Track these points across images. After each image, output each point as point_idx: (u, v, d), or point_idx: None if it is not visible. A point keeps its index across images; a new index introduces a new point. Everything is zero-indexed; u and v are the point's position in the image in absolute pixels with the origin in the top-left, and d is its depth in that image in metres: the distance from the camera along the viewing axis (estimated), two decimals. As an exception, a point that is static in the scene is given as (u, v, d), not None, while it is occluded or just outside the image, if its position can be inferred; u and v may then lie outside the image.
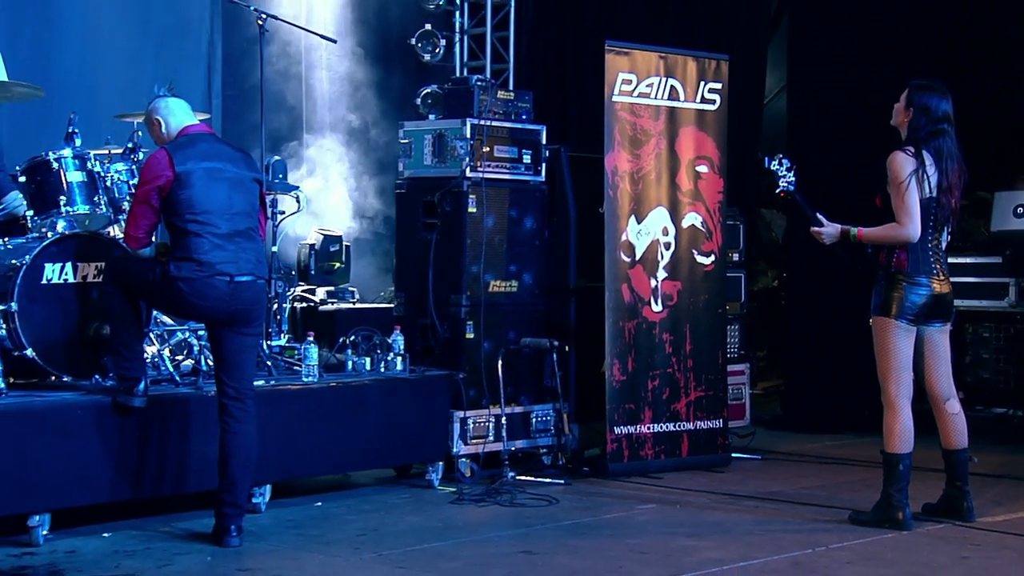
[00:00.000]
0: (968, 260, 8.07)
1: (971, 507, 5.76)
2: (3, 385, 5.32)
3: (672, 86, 7.20)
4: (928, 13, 8.68)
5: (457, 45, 8.52)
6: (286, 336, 6.84)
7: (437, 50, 8.22)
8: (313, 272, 7.93)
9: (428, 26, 8.25)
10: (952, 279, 5.74)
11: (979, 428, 6.34)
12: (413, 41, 8.21)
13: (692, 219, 7.27)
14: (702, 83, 7.32)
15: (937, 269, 5.62)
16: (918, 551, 5.25)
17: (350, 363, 6.63)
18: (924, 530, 5.60)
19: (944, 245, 5.70)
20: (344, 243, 8.22)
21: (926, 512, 5.79)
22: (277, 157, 6.87)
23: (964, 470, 5.79)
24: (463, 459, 6.71)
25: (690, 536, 5.47)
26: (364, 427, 6.33)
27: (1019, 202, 8.26)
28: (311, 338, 6.35)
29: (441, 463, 6.64)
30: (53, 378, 5.60)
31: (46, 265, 5.56)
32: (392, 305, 7.39)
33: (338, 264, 8.05)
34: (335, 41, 7.41)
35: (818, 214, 5.81)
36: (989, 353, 8.33)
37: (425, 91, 7.53)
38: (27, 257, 5.50)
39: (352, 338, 6.78)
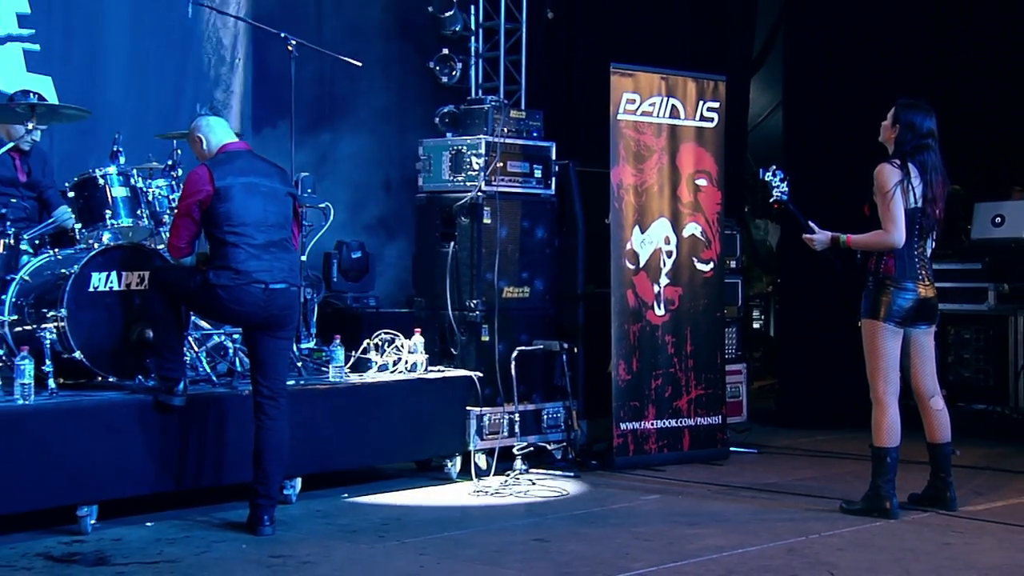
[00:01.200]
0: (951, 266, 8.07)
1: (954, 497, 5.77)
2: (53, 385, 5.36)
3: (673, 105, 7.22)
4: (914, 37, 8.72)
5: (472, 68, 8.52)
6: (314, 339, 6.86)
7: (454, 73, 8.22)
8: (338, 279, 7.95)
9: (445, 51, 8.26)
10: (936, 284, 5.75)
11: (961, 423, 6.33)
12: (432, 64, 8.22)
13: (692, 229, 7.28)
14: (701, 102, 7.33)
15: (923, 274, 5.62)
16: (904, 538, 5.26)
17: (374, 364, 6.64)
18: (910, 518, 5.60)
19: (929, 252, 5.70)
20: (367, 252, 8.23)
21: (912, 501, 5.79)
22: (306, 173, 6.88)
23: (947, 462, 5.80)
24: (479, 453, 6.70)
25: (691, 525, 5.48)
26: (387, 423, 6.34)
27: (998, 212, 8.30)
28: (338, 341, 6.36)
29: (459, 457, 6.64)
30: (100, 379, 5.61)
31: (93, 274, 5.58)
32: (412, 309, 7.41)
33: (362, 272, 8.07)
34: (360, 65, 7.42)
35: (810, 222, 5.82)
36: (970, 353, 8.35)
37: (443, 111, 7.52)
38: (75, 267, 5.53)
39: (375, 341, 6.79)
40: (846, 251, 5.71)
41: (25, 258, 5.84)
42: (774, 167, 5.99)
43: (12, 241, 5.84)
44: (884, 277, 5.57)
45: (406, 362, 6.64)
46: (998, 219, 8.29)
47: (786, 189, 5.92)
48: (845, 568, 4.72)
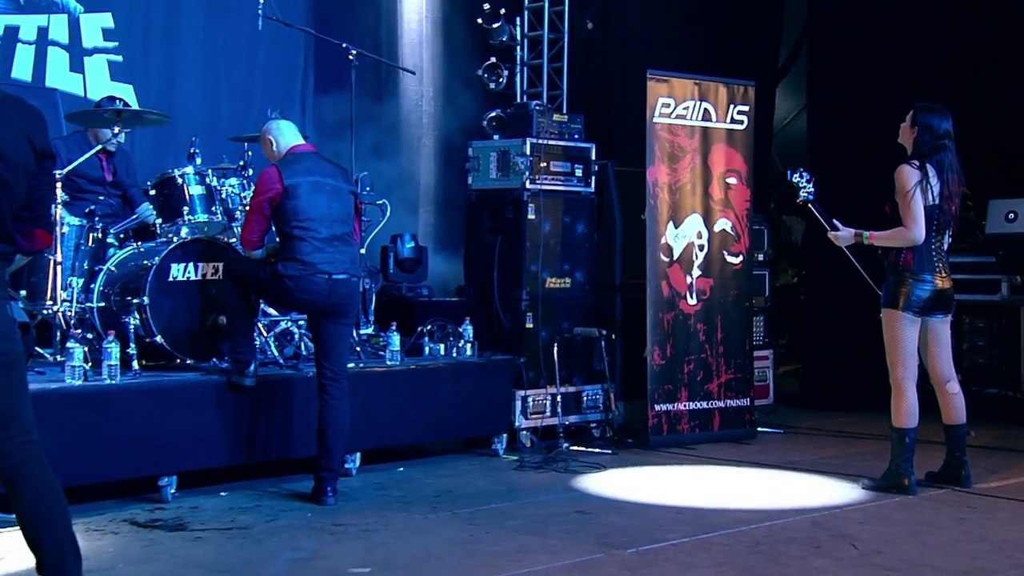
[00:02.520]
0: (966, 260, 8.01)
1: (969, 475, 5.74)
2: (137, 367, 5.42)
3: (705, 109, 7.21)
4: (932, 44, 8.63)
5: (518, 75, 8.55)
6: (372, 326, 6.91)
7: (500, 79, 8.25)
8: (394, 270, 8.00)
9: (493, 59, 8.30)
10: (952, 276, 5.71)
11: (975, 407, 6.27)
12: (480, 72, 8.26)
13: (723, 224, 7.27)
14: (731, 106, 7.31)
15: (940, 267, 5.59)
16: (922, 513, 5.24)
17: (427, 349, 6.69)
18: (927, 495, 5.58)
19: (946, 246, 5.66)
20: (420, 245, 8.28)
21: (929, 479, 5.76)
22: (364, 172, 6.93)
23: (962, 443, 5.77)
24: (524, 431, 6.73)
25: (721, 499, 5.47)
26: (439, 403, 6.37)
27: (1011, 209, 8.24)
28: (394, 327, 6.40)
29: (505, 435, 6.67)
30: (178, 361, 5.67)
31: (172, 265, 5.64)
32: (462, 299, 7.45)
33: (415, 264, 8.11)
34: (414, 72, 7.47)
35: (834, 220, 5.81)
36: (984, 341, 8.29)
37: (490, 115, 7.56)
38: (156, 258, 5.59)
39: (428, 327, 6.82)
40: (868, 246, 5.70)
41: (111, 250, 5.94)
42: (800, 169, 5.97)
43: (100, 235, 5.95)
44: (903, 269, 5.55)
45: (456, 347, 6.69)
46: (1011, 215, 8.22)
47: (812, 189, 5.89)
48: (866, 540, 4.71)
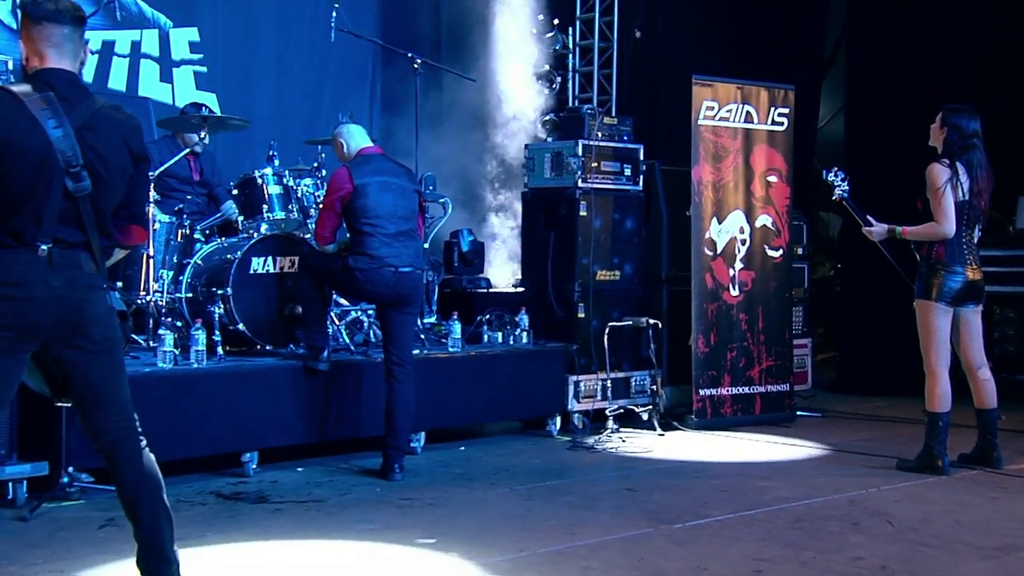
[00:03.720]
0: (996, 253, 7.90)
1: (1000, 457, 5.66)
2: (221, 352, 5.50)
3: (747, 111, 7.16)
4: (964, 45, 8.51)
5: (570, 81, 8.54)
6: (435, 315, 6.93)
7: (554, 85, 8.25)
8: (456, 264, 8.02)
9: (547, 67, 8.31)
10: (983, 268, 5.63)
11: (1005, 392, 6.18)
12: (535, 79, 8.27)
13: (764, 220, 7.22)
14: (772, 108, 7.26)
15: (970, 260, 5.51)
16: (955, 492, 5.18)
17: (486, 337, 6.71)
18: (960, 475, 5.51)
19: (976, 240, 5.59)
20: (479, 240, 8.30)
21: (962, 461, 5.69)
22: (428, 172, 6.97)
23: (994, 426, 5.69)
24: (576, 414, 6.73)
25: (763, 478, 5.44)
26: (497, 387, 6.39)
27: (1039, 204, 8.18)
28: (455, 316, 6.43)
29: (559, 417, 6.68)
30: (258, 347, 5.73)
31: (253, 259, 5.70)
32: (518, 290, 7.47)
33: (475, 257, 8.13)
34: (474, 80, 7.49)
35: (868, 216, 5.75)
36: (1014, 330, 8.20)
37: (545, 118, 7.57)
38: (239, 253, 5.66)
39: (487, 317, 6.84)
40: (901, 241, 5.63)
41: (198, 245, 6.03)
42: (836, 168, 5.92)
43: (188, 231, 6.04)
44: (936, 262, 5.48)
45: (513, 336, 6.70)
46: None
47: (846, 188, 5.85)
48: (901, 518, 4.67)
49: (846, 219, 8.91)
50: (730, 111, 7.09)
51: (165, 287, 5.86)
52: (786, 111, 7.31)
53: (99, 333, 3.19)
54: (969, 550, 4.21)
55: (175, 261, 5.97)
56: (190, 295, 5.80)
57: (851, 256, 8.92)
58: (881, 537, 4.37)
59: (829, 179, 5.87)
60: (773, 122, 7.26)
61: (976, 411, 5.71)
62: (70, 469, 4.74)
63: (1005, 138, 7.20)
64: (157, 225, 5.87)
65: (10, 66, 4.57)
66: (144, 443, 3.31)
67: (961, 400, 5.70)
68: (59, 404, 4.24)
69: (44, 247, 3.08)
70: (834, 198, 5.89)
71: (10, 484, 4.65)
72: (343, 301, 6.23)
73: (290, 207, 6.08)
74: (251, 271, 5.70)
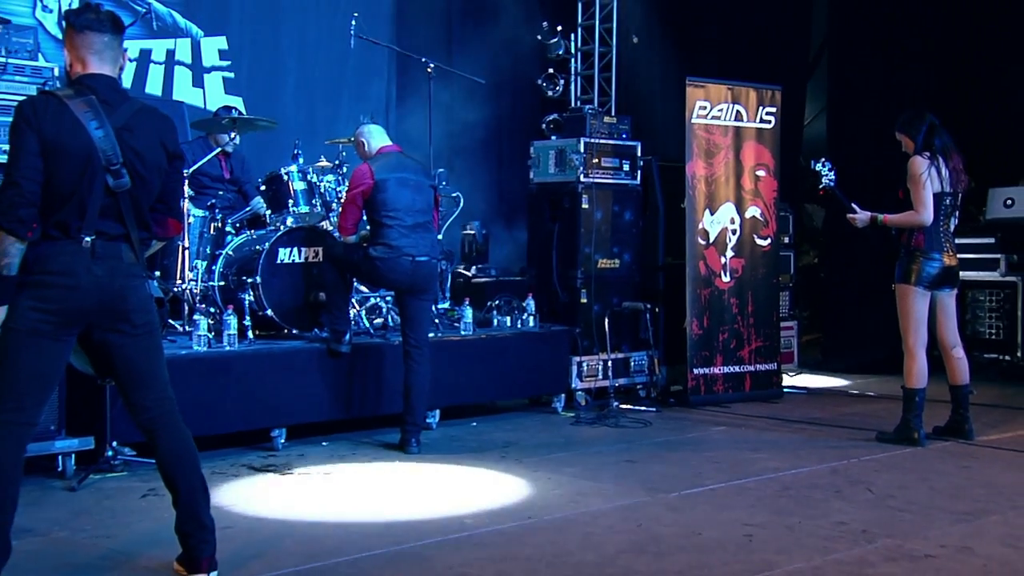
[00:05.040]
0: (970, 241, 7.91)
1: (971, 429, 5.67)
2: (251, 336, 5.52)
3: (738, 110, 7.13)
4: (936, 50, 8.54)
5: (572, 84, 8.51)
6: (449, 301, 6.94)
7: (557, 87, 8.21)
8: (467, 253, 8.02)
9: (550, 70, 8.27)
10: (958, 255, 5.63)
11: (976, 369, 6.19)
12: (539, 81, 8.24)
13: (753, 212, 7.20)
14: (760, 107, 7.23)
15: (947, 247, 5.50)
16: (930, 462, 5.18)
17: (495, 321, 6.71)
18: (935, 446, 5.52)
19: (953, 228, 5.58)
20: (488, 231, 8.28)
21: (936, 433, 5.70)
22: (441, 169, 6.96)
23: (966, 401, 5.69)
24: (579, 392, 6.73)
25: (753, 450, 5.45)
26: (506, 367, 6.39)
27: (1009, 196, 8.19)
28: (467, 303, 6.42)
29: (563, 395, 6.67)
30: (286, 331, 5.73)
31: (280, 249, 5.70)
32: (525, 278, 7.46)
33: (484, 248, 8.12)
34: (483, 82, 7.47)
35: (853, 204, 5.74)
36: (984, 312, 8.18)
37: (549, 118, 7.53)
38: (267, 244, 5.65)
39: (496, 302, 6.84)
40: (883, 228, 5.62)
41: (229, 237, 6.02)
42: (823, 159, 5.91)
43: (220, 224, 6.04)
44: (915, 249, 5.47)
45: (520, 319, 6.69)
46: (1009, 201, 8.18)
47: (833, 177, 5.83)
48: (880, 485, 4.68)
49: (829, 211, 8.91)
50: (721, 110, 7.07)
51: (199, 276, 5.87)
52: (773, 110, 7.28)
53: (139, 318, 3.21)
54: (943, 514, 4.22)
55: (208, 252, 5.98)
56: (222, 283, 5.81)
57: (834, 245, 8.92)
58: (862, 503, 4.38)
59: (817, 168, 5.86)
60: (761, 120, 7.24)
61: (950, 387, 5.71)
62: (114, 443, 4.76)
63: (974, 136, 7.20)
64: (191, 219, 5.87)
65: (55, 72, 4.58)
66: (181, 419, 3.33)
67: (936, 377, 5.70)
68: (103, 383, 4.27)
69: (88, 239, 3.10)
70: (820, 187, 5.87)
71: (60, 457, 4.68)
72: (364, 288, 6.23)
73: (314, 201, 6.07)
74: (278, 261, 5.70)
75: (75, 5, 6.34)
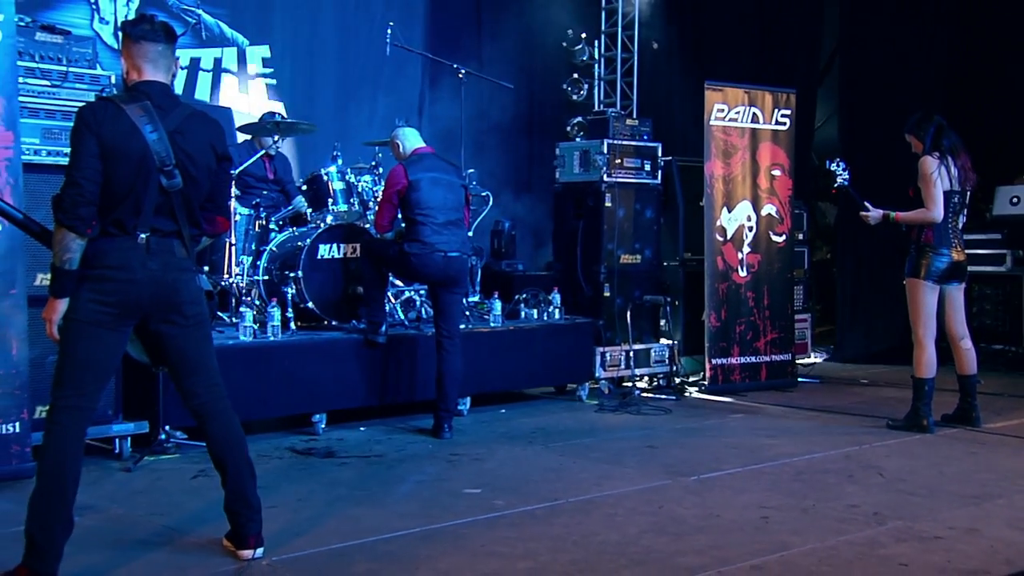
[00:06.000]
0: (977, 237, 7.83)
1: (979, 416, 5.62)
2: (294, 327, 5.54)
3: (754, 112, 7.09)
4: (943, 56, 8.51)
5: (596, 88, 8.51)
6: (479, 294, 6.94)
7: (582, 92, 8.21)
8: (497, 249, 8.03)
9: (575, 75, 8.27)
10: (966, 251, 5.57)
11: (984, 360, 6.13)
12: (565, 86, 8.23)
13: (768, 209, 7.16)
14: (776, 110, 7.18)
15: (956, 242, 5.46)
16: (938, 448, 5.15)
17: (523, 313, 6.70)
18: (943, 433, 5.47)
19: (961, 225, 5.53)
20: (516, 228, 8.29)
21: (944, 420, 5.65)
22: (472, 169, 6.97)
23: (973, 390, 5.65)
24: (603, 381, 6.72)
25: (768, 436, 5.42)
26: (533, 357, 6.38)
27: (1014, 194, 8.10)
28: (496, 296, 6.42)
29: (587, 383, 6.66)
30: (326, 322, 5.75)
31: (320, 245, 5.71)
32: (551, 272, 7.45)
33: (513, 244, 8.12)
34: (512, 87, 7.47)
35: (866, 202, 5.70)
36: (991, 305, 8.12)
37: (574, 121, 7.53)
38: (308, 240, 5.67)
39: (524, 296, 6.84)
40: (895, 225, 5.57)
41: (273, 234, 6.05)
42: (838, 158, 5.86)
43: (264, 222, 6.07)
44: (925, 245, 5.42)
45: (547, 312, 6.69)
46: (1015, 199, 8.10)
47: (847, 176, 5.79)
48: (891, 470, 4.65)
49: (842, 208, 8.83)
50: (738, 113, 7.03)
51: (245, 271, 5.91)
52: (788, 112, 7.23)
53: (191, 310, 3.25)
54: (951, 498, 4.18)
55: (253, 248, 6.01)
56: (266, 278, 5.84)
57: (846, 241, 8.83)
58: (873, 487, 4.35)
59: (831, 168, 5.81)
60: (777, 122, 7.19)
61: (958, 376, 5.66)
62: (167, 427, 4.82)
63: (981, 136, 7.12)
64: (238, 217, 5.92)
65: (112, 80, 4.64)
66: (229, 404, 3.37)
67: (944, 367, 5.64)
68: (157, 371, 4.32)
69: (143, 236, 3.14)
70: (835, 185, 5.82)
71: (117, 440, 4.74)
72: (399, 282, 6.24)
73: (352, 200, 6.09)
74: (319, 256, 5.72)
75: (131, 16, 6.40)
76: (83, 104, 3.33)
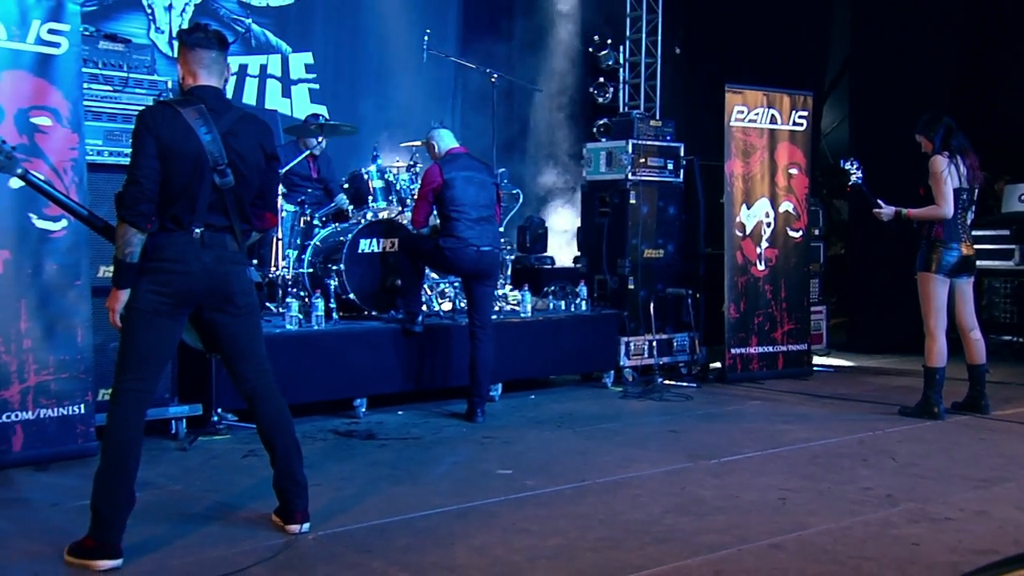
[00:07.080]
0: (986, 232, 7.74)
1: (987, 404, 5.55)
2: (336, 317, 5.58)
3: (772, 114, 7.03)
4: (949, 63, 8.39)
5: (621, 91, 8.49)
6: (509, 286, 6.98)
7: (607, 95, 8.21)
8: (528, 244, 8.04)
9: (601, 79, 8.26)
10: (975, 246, 5.50)
11: (992, 350, 6.05)
12: (591, 89, 8.23)
13: (786, 206, 7.10)
14: (793, 111, 7.12)
15: (965, 237, 5.39)
16: (949, 434, 5.09)
17: (551, 304, 6.71)
18: (953, 420, 5.41)
19: (970, 221, 5.46)
20: (545, 225, 8.30)
21: (955, 408, 5.59)
22: (503, 168, 6.99)
23: (982, 379, 5.58)
24: (627, 369, 6.71)
25: (785, 422, 5.39)
26: (561, 346, 6.37)
27: (1022, 192, 7.98)
28: (526, 288, 6.44)
29: (613, 371, 6.66)
30: (366, 313, 5.78)
31: (361, 240, 5.75)
32: (578, 266, 7.46)
33: (542, 239, 8.14)
34: (541, 90, 7.47)
35: (878, 200, 5.64)
36: (999, 298, 8.00)
37: (600, 122, 7.54)
38: (349, 235, 5.71)
39: (552, 288, 6.86)
40: (906, 221, 5.51)
41: (317, 229, 6.09)
42: (852, 158, 5.80)
43: (308, 218, 6.12)
44: (935, 240, 5.36)
45: (574, 303, 6.69)
46: (1023, 197, 7.98)
47: (861, 175, 5.73)
48: (903, 455, 4.61)
49: (855, 206, 8.74)
50: (757, 114, 6.97)
51: (291, 264, 5.95)
52: (805, 114, 7.16)
53: (242, 300, 3.28)
54: (961, 481, 4.14)
55: (298, 243, 6.06)
56: (311, 270, 5.88)
57: (859, 237, 8.75)
58: (886, 471, 4.32)
59: (846, 167, 5.74)
60: (794, 123, 7.13)
61: (968, 366, 5.60)
62: (219, 410, 4.87)
63: (991, 135, 7.03)
64: (284, 213, 5.96)
65: (169, 85, 4.71)
66: (277, 388, 3.40)
67: (955, 357, 5.59)
68: (210, 357, 4.37)
69: (198, 230, 3.17)
70: (849, 183, 5.77)
71: (173, 422, 4.80)
72: (434, 275, 6.27)
73: (390, 198, 6.12)
74: (359, 251, 5.76)
75: (185, 26, 6.47)
76: (142, 108, 3.36)
